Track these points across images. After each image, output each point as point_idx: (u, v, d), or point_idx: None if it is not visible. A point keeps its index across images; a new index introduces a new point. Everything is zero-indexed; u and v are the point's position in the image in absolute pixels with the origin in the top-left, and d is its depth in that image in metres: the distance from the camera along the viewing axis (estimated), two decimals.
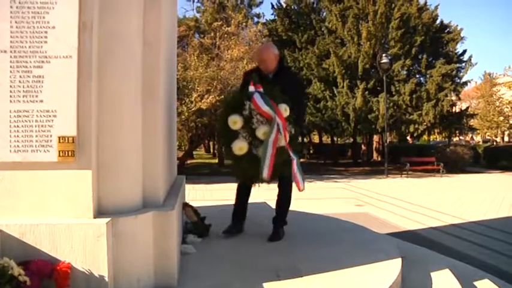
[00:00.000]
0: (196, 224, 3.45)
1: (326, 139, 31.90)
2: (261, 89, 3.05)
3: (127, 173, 2.36)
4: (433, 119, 20.29)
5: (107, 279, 2.10)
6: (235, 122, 2.98)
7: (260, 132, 2.95)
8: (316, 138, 36.30)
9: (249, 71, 3.75)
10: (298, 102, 3.35)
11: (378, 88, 20.87)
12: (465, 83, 22.54)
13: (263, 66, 3.44)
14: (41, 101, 2.10)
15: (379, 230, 5.30)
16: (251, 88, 3.06)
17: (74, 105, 2.12)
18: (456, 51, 22.03)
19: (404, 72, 21.26)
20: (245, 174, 3.10)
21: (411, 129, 21.06)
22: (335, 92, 21.04)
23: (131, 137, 2.39)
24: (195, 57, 16.24)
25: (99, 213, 2.24)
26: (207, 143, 41.70)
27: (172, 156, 3.75)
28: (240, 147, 2.98)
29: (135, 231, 2.29)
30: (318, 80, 21.77)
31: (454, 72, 21.09)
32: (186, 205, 3.48)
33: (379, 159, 26.11)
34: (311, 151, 33.28)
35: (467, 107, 25.56)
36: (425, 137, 24.65)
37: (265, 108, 2.95)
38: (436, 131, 24.02)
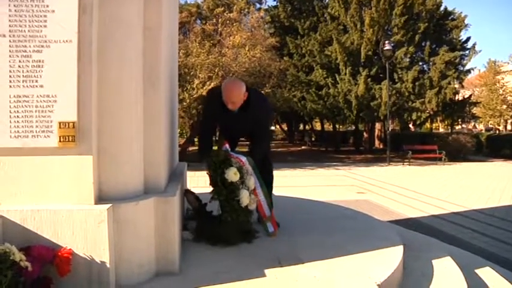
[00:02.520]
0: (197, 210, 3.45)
1: (328, 126, 31.82)
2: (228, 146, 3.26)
3: (128, 159, 2.35)
4: (435, 107, 20.18)
5: (108, 265, 2.11)
6: (236, 173, 3.04)
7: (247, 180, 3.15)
8: (318, 126, 36.15)
9: (212, 93, 3.62)
10: (261, 137, 3.48)
11: (381, 75, 20.74)
12: (468, 71, 22.34)
13: (231, 106, 3.28)
14: (41, 86, 2.08)
15: (381, 218, 5.31)
16: (225, 147, 3.22)
17: (75, 90, 2.10)
18: (460, 39, 21.78)
19: (407, 60, 21.07)
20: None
21: (414, 117, 20.94)
22: (337, 79, 20.92)
23: (132, 123, 2.37)
24: (197, 44, 16.14)
25: (100, 199, 2.23)
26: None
27: (174, 143, 3.74)
28: (234, 172, 3.03)
29: (136, 218, 2.29)
30: (320, 67, 21.64)
31: (457, 60, 20.88)
32: (187, 192, 3.47)
33: (381, 147, 26.06)
34: (313, 138, 33.28)
35: (470, 95, 25.40)
36: (427, 124, 24.56)
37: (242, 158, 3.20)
38: (438, 118, 23.92)
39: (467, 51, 21.81)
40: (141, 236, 2.32)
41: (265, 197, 3.33)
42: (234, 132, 3.60)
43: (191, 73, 15.54)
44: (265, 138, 3.64)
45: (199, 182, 10.88)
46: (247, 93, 3.31)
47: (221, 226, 3.04)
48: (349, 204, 5.31)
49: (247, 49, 16.79)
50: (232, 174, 3.03)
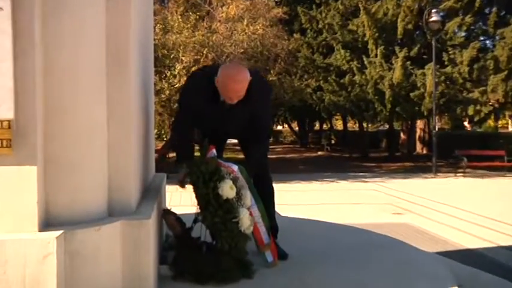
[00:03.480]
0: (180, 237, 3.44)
1: (352, 125, 31.90)
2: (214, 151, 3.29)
3: (87, 170, 2.35)
4: (502, 98, 19.98)
5: None
6: (232, 187, 3.06)
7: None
8: (338, 124, 36.30)
9: (198, 77, 3.62)
10: (259, 136, 3.53)
11: (424, 57, 20.74)
12: None
13: (229, 98, 3.25)
14: None
15: (426, 248, 5.27)
16: (213, 153, 3.24)
17: (10, 77, 2.09)
18: None
19: (463, 34, 21.01)
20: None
21: (470, 111, 20.71)
22: (365, 62, 20.97)
23: (92, 122, 2.37)
24: (179, 16, 16.17)
25: (47, 224, 2.22)
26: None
27: (149, 148, 3.75)
28: (230, 185, 3.05)
29: (97, 248, 2.28)
30: (342, 47, 21.70)
31: None
32: (166, 212, 3.46)
33: (425, 152, 26.05)
34: (332, 141, 33.32)
35: None
36: (490, 122, 24.52)
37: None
38: (506, 113, 23.75)
39: None
40: (103, 273, 2.31)
41: (263, 217, 3.33)
42: (222, 132, 3.61)
43: (171, 56, 15.57)
44: (265, 139, 3.65)
45: (182, 198, 10.74)
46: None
47: (215, 257, 3.04)
48: (381, 229, 5.29)
49: (245, 23, 16.82)
50: (228, 189, 3.04)
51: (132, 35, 2.62)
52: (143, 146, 3.22)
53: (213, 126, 3.51)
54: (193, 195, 3.15)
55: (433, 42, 18.58)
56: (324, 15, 22.36)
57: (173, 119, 17.62)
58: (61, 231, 2.17)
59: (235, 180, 3.13)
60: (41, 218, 2.18)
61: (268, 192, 3.65)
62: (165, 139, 25.22)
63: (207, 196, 3.05)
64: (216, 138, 3.51)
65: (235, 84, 3.19)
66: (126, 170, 2.56)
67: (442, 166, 19.13)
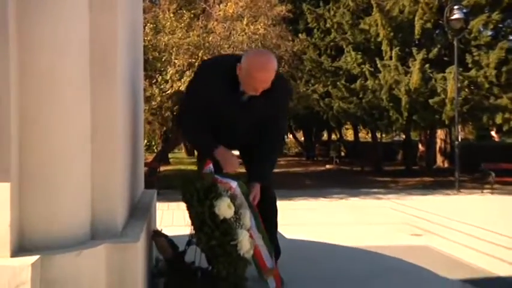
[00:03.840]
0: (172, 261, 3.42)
1: (365, 135, 31.89)
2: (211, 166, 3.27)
3: (67, 187, 2.33)
4: None
5: None
6: (230, 205, 3.05)
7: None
8: (349, 134, 36.28)
9: (216, 65, 3.55)
10: (276, 133, 3.58)
11: (445, 59, 20.80)
12: None
13: (253, 88, 3.23)
14: None
15: (448, 274, 5.23)
16: (210, 168, 3.23)
17: None
18: None
19: (489, 33, 21.06)
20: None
21: (498, 120, 20.71)
22: (379, 65, 21.07)
23: (74, 135, 2.37)
24: (171, 15, 16.25)
25: (20, 249, 2.20)
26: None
27: (137, 162, 3.74)
28: (228, 204, 3.04)
29: (78, 275, 2.25)
30: (352, 48, 21.80)
31: None
32: (157, 234, 3.44)
33: (446, 165, 26.05)
34: (342, 153, 33.36)
35: None
36: None
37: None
38: None
39: None
40: None
41: (264, 238, 3.32)
42: (239, 131, 3.56)
43: (163, 58, 15.64)
44: (280, 144, 3.73)
45: (175, 218, 10.76)
46: None
47: (211, 284, 3.02)
48: (398, 253, 5.25)
49: (245, 23, 16.90)
50: (225, 208, 3.02)
51: (119, 37, 2.62)
52: (131, 160, 3.22)
53: (225, 122, 3.48)
54: (187, 214, 3.14)
55: (455, 43, 18.66)
56: (332, 13, 22.49)
57: (164, 128, 17.55)
58: (37, 257, 2.14)
59: (233, 198, 3.12)
60: (14, 242, 2.16)
61: (270, 210, 3.63)
62: (155, 151, 25.32)
63: (202, 216, 3.03)
64: (232, 139, 3.52)
65: (264, 73, 3.18)
66: (112, 187, 2.55)
67: (466, 181, 19.09)
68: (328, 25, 22.68)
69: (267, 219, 3.43)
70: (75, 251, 2.26)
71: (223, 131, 3.49)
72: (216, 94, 3.30)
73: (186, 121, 3.56)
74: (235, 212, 3.09)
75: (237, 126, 3.49)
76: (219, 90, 3.28)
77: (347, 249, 5.01)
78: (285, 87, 3.54)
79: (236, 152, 3.66)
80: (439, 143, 27.55)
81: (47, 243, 2.25)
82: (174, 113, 17.87)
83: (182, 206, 3.18)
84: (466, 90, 20.01)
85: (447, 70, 20.10)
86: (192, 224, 3.11)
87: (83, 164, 2.42)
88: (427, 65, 20.27)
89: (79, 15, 2.40)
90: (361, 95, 21.34)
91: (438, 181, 20.67)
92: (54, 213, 2.29)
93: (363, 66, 21.46)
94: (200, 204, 3.04)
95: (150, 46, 15.15)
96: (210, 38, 16.43)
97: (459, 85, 19.05)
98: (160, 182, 16.55)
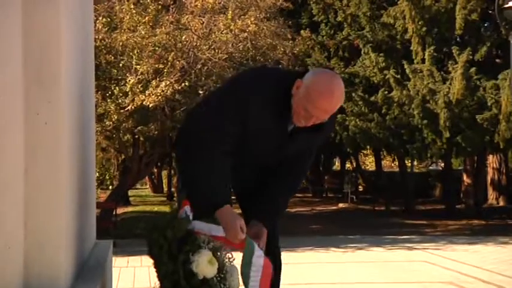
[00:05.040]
0: None
1: (390, 164, 31.92)
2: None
3: None
4: None
5: None
6: (212, 261, 3.04)
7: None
8: (369, 163, 36.44)
9: (266, 75, 3.49)
10: (300, 171, 3.71)
11: (497, 61, 20.89)
12: None
13: (307, 118, 3.21)
14: None
15: None
16: (186, 212, 3.18)
17: None
18: None
19: None
20: None
21: None
22: (407, 71, 21.13)
23: (2, 171, 2.36)
24: (131, 6, 16.26)
25: None
26: (157, 174, 41.67)
27: (87, 203, 3.72)
28: (209, 259, 3.03)
29: None
30: (372, 49, 21.84)
31: None
32: None
33: (501, 203, 26.09)
34: (360, 187, 33.35)
35: None
36: None
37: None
38: None
39: None
40: None
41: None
42: (257, 169, 3.62)
43: (121, 64, 15.63)
44: (304, 177, 3.79)
45: (137, 278, 10.60)
46: None
47: None
48: None
49: (230, 16, 16.96)
50: (205, 265, 3.02)
51: (63, 36, 2.63)
52: (78, 202, 3.19)
53: (249, 157, 3.48)
54: (154, 273, 3.12)
55: (510, 39, 18.64)
56: (345, 2, 22.60)
57: (122, 156, 17.49)
58: None
59: (216, 250, 3.11)
60: None
61: (274, 265, 3.62)
62: (110, 187, 25.21)
63: (174, 276, 3.02)
64: (251, 172, 3.59)
65: (329, 102, 3.19)
66: (52, 239, 2.53)
67: None
68: (339, 18, 22.78)
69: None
70: None
71: (254, 163, 3.55)
72: (257, 120, 3.25)
73: (200, 142, 3.27)
74: (219, 269, 3.08)
75: (259, 162, 3.55)
76: (263, 114, 3.24)
77: None
78: (333, 122, 3.61)
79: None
80: (490, 174, 27.58)
81: None
82: (137, 137, 17.88)
83: (148, 261, 3.16)
84: None
85: (500, 76, 20.18)
86: (161, 286, 3.09)
87: (14, 210, 2.41)
88: (472, 69, 20.31)
89: (6, 8, 2.40)
90: (384, 110, 21.30)
91: (491, 225, 20.66)
92: None
93: (386, 72, 21.46)
94: (172, 260, 3.02)
95: (102, 47, 15.12)
96: (184, 37, 16.45)
97: None
98: (117, 229, 16.49)
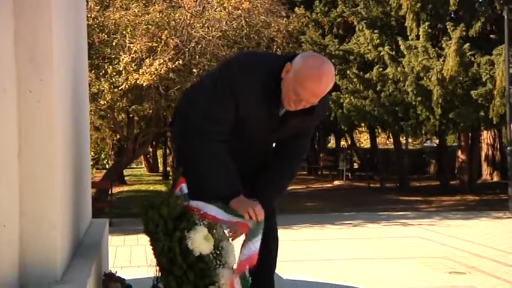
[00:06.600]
0: None
1: (384, 141, 31.97)
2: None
3: None
4: None
5: None
6: (208, 237, 3.05)
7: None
8: (364, 140, 36.45)
9: (254, 69, 3.40)
10: (299, 153, 3.72)
11: (492, 36, 20.83)
12: None
13: (297, 101, 3.22)
14: None
15: None
16: (182, 190, 3.21)
17: None
18: None
19: None
20: None
21: None
22: (402, 47, 21.10)
23: None
24: None
25: None
26: (152, 153, 41.69)
27: (82, 183, 3.72)
28: (204, 235, 3.04)
29: None
30: (366, 26, 21.79)
31: None
32: (109, 279, 3.43)
33: (495, 179, 26.15)
34: (355, 165, 33.38)
35: None
36: None
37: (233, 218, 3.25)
38: None
39: None
40: None
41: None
42: (255, 153, 3.64)
43: (114, 42, 15.56)
44: (303, 159, 3.83)
45: (133, 255, 10.60)
46: None
47: None
48: None
49: None
50: (201, 241, 3.02)
51: (54, 13, 2.61)
52: (73, 181, 3.20)
53: (244, 141, 3.49)
54: (150, 250, 3.12)
55: (505, 14, 18.58)
56: None
57: (117, 135, 17.50)
58: None
59: (211, 228, 3.11)
60: None
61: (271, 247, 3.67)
62: (107, 166, 25.22)
63: (170, 252, 3.02)
64: (247, 156, 3.56)
65: (318, 85, 3.18)
66: (47, 217, 2.53)
67: None
68: None
69: (266, 259, 3.45)
70: None
71: (250, 146, 3.55)
72: (248, 104, 3.30)
73: (199, 133, 3.34)
74: (215, 246, 3.09)
75: (254, 147, 3.57)
76: (254, 99, 3.28)
77: None
78: (326, 104, 3.61)
79: None
80: (485, 150, 27.61)
81: None
82: (131, 116, 17.84)
83: (144, 239, 3.16)
84: None
85: (494, 51, 20.13)
86: (158, 263, 3.09)
87: (9, 191, 2.41)
88: (466, 45, 20.24)
89: None
90: (379, 87, 21.24)
91: (485, 200, 20.70)
92: None
93: (380, 48, 21.45)
94: (168, 237, 3.02)
95: (95, 26, 15.01)
96: (177, 15, 16.36)
97: (511, 71, 19.02)
98: (113, 209, 16.48)
